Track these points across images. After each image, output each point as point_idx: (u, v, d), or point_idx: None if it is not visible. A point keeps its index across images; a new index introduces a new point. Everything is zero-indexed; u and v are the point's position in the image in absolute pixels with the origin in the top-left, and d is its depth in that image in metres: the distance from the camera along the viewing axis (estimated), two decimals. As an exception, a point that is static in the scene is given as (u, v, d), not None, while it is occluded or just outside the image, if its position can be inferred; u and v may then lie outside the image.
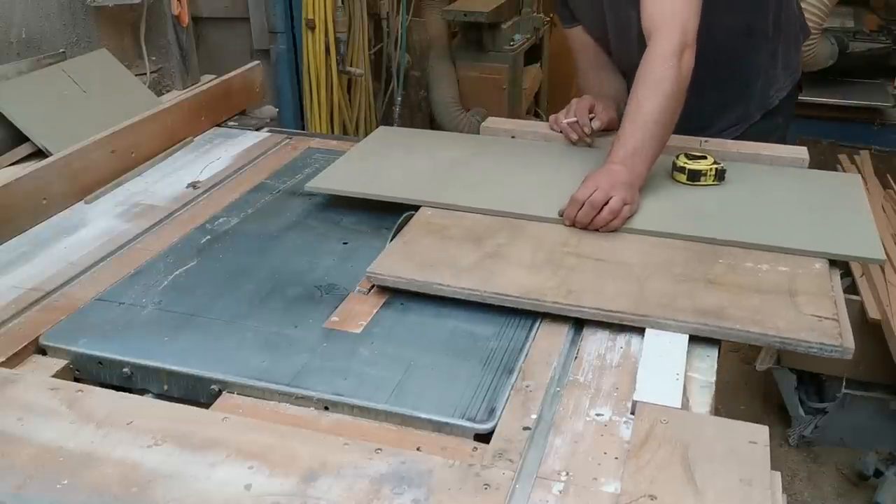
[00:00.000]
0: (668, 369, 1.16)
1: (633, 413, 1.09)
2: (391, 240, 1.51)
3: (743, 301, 1.29)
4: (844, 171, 3.54)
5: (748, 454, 0.99)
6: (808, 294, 1.31)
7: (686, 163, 1.68)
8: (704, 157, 1.69)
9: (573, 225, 1.52)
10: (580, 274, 1.37)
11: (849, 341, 1.20)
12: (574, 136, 1.90)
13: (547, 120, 2.04)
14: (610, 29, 1.93)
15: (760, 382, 3.06)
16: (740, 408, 2.99)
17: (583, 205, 1.50)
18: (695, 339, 1.24)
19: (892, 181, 3.35)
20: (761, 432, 1.02)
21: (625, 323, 1.27)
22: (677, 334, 1.24)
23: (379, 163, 1.80)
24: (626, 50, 1.90)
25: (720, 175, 1.68)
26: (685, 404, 1.12)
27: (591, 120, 1.86)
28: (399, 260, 1.42)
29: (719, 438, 1.02)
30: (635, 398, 1.10)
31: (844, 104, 3.76)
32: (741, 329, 1.23)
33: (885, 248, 1.59)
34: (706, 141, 1.83)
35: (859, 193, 1.67)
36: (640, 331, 1.26)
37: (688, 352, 1.21)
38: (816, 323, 1.24)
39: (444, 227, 1.54)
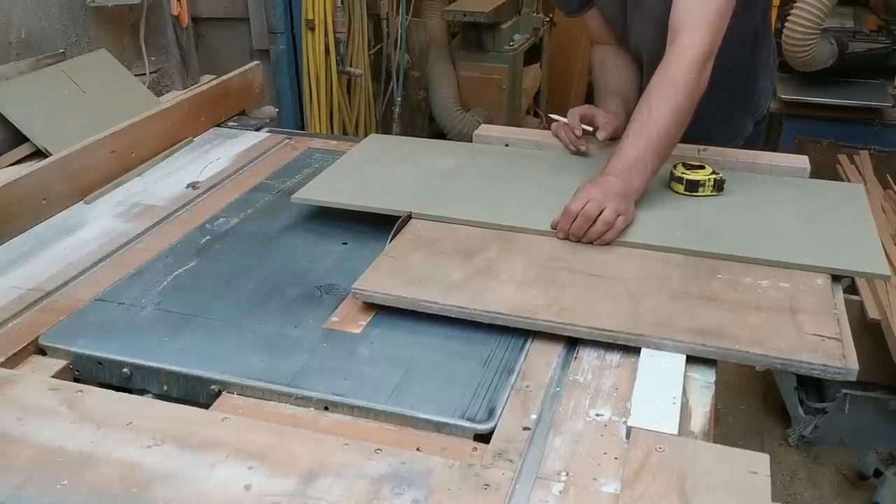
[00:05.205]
0: (664, 392, 1.11)
1: (627, 438, 1.04)
2: (390, 241, 1.51)
3: (742, 319, 1.24)
4: (844, 171, 3.54)
5: (748, 484, 0.94)
6: (810, 312, 1.26)
7: (684, 173, 1.63)
8: (703, 167, 1.64)
9: (567, 238, 1.47)
10: (573, 290, 1.32)
11: (853, 362, 1.15)
12: (565, 139, 1.84)
13: (546, 120, 2.02)
14: (630, 8, 1.83)
15: (760, 382, 3.07)
16: (740, 408, 3.00)
17: (576, 216, 1.45)
18: (693, 358, 1.20)
19: (891, 181, 3.35)
20: (762, 461, 0.97)
21: (619, 342, 1.22)
22: (674, 354, 1.19)
23: (369, 172, 1.75)
24: (643, 30, 1.82)
25: (719, 186, 1.62)
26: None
27: (594, 131, 1.79)
28: (386, 275, 1.37)
29: (718, 468, 0.97)
30: (630, 424, 1.05)
31: (844, 104, 3.75)
32: (741, 349, 1.18)
33: (885, 250, 1.57)
34: (704, 149, 1.78)
35: (862, 205, 1.61)
36: (636, 348, 1.22)
37: (685, 370, 1.17)
38: (819, 343, 1.19)
39: (435, 239, 1.49)
